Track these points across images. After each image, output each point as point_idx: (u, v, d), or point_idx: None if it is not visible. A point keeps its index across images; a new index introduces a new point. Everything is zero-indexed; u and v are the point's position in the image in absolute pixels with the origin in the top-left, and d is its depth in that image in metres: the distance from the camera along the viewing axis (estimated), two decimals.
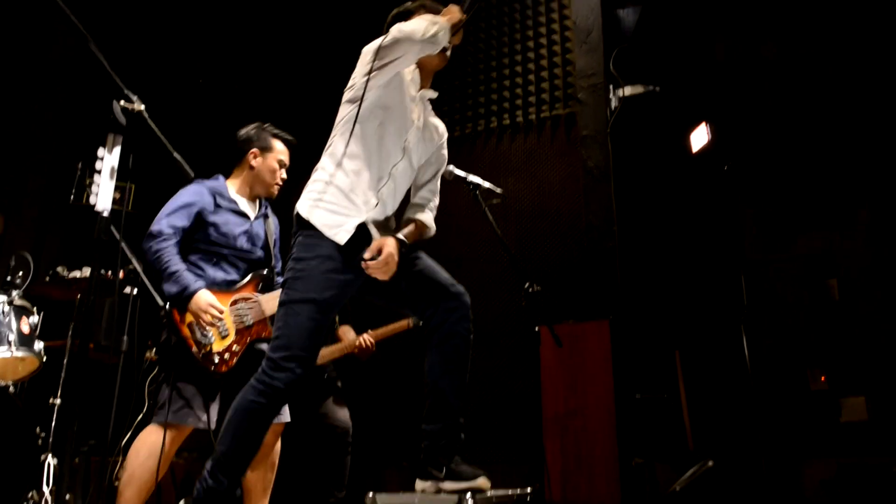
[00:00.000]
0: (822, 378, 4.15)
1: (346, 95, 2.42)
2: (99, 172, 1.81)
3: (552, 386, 3.71)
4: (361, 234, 2.29)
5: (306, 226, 2.29)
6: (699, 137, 4.44)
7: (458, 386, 2.32)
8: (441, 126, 2.64)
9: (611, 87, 4.50)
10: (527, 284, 2.91)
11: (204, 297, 2.91)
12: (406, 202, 2.58)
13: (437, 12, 2.52)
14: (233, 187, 3.21)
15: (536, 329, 2.95)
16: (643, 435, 3.72)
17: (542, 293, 2.93)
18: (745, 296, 4.08)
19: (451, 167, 3.02)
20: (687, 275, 4.40)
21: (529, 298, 2.91)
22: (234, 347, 2.95)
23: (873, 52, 4.34)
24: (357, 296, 2.42)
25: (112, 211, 1.86)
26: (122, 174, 1.90)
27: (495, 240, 3.01)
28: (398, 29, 2.31)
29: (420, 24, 2.32)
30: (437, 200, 2.60)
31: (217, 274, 3.06)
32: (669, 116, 4.52)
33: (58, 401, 3.42)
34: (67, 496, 3.18)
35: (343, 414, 3.87)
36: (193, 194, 3.07)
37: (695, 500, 3.00)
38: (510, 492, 2.31)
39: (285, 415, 3.03)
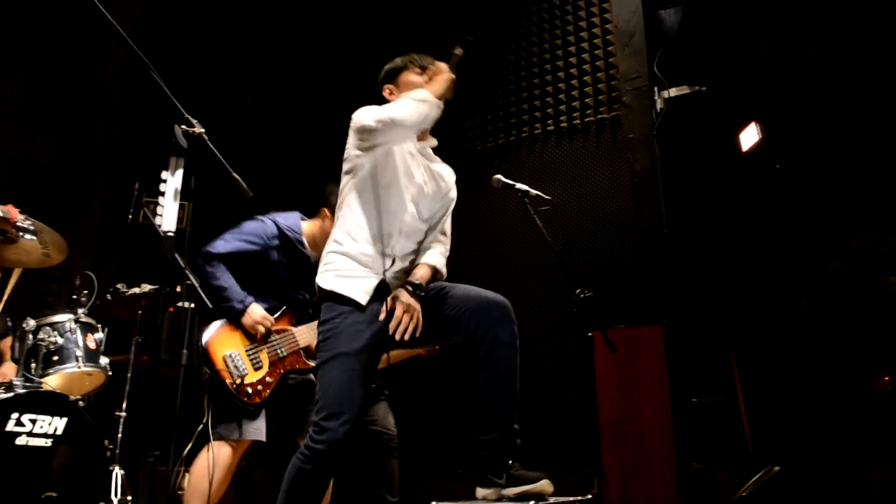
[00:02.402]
0: (886, 379, 4.03)
1: (344, 166, 2.47)
2: (163, 194, 1.88)
3: (607, 392, 3.69)
4: (383, 291, 2.33)
5: (328, 294, 2.34)
6: (749, 137, 4.37)
7: (509, 395, 2.31)
8: (447, 172, 2.65)
9: (655, 89, 4.46)
10: (578, 290, 2.90)
11: (257, 311, 3.02)
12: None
13: (423, 67, 2.55)
14: (306, 228, 3.29)
15: (589, 335, 2.92)
16: (701, 440, 3.66)
17: (594, 299, 2.92)
18: (802, 296, 4.00)
19: (499, 176, 3.05)
20: (741, 277, 4.33)
21: (581, 304, 2.90)
22: (268, 379, 3.05)
23: None
24: (399, 348, 2.43)
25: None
26: (182, 194, 1.96)
27: (545, 246, 3.00)
28: (389, 115, 2.32)
29: (410, 107, 2.34)
30: (448, 242, 2.59)
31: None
32: (717, 116, 4.46)
33: (123, 413, 3.55)
34: None
35: (389, 420, 3.91)
36: (258, 232, 3.18)
37: None
38: (571, 498, 2.30)
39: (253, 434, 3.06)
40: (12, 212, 2.55)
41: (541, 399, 4.20)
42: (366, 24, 5.52)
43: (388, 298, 2.29)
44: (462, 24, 5.23)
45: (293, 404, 3.19)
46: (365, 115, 2.37)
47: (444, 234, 2.59)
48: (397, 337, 2.25)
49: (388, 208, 2.39)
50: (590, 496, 2.43)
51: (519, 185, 3.02)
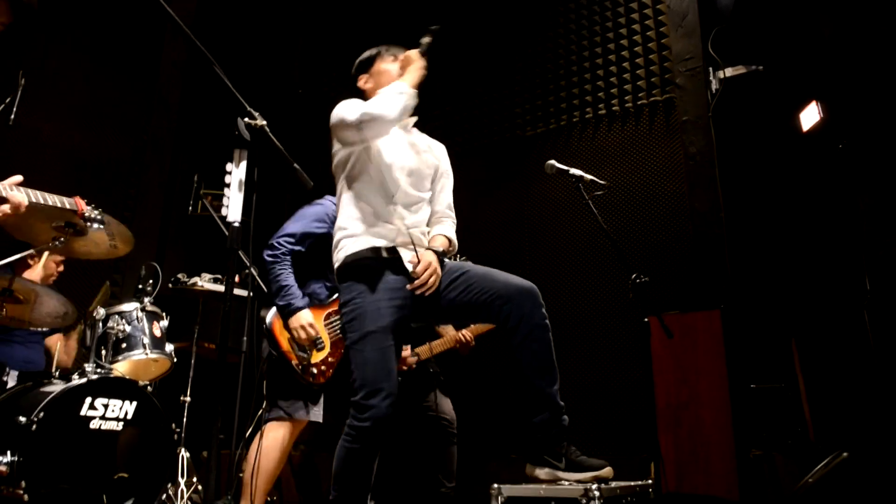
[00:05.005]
0: None
1: (334, 160, 2.55)
2: (228, 186, 1.93)
3: (664, 377, 3.66)
4: (396, 263, 2.39)
5: (342, 274, 2.41)
6: (809, 117, 4.24)
7: (550, 375, 2.34)
8: (435, 145, 2.74)
9: (710, 69, 4.37)
10: (633, 275, 2.88)
11: (303, 317, 3.08)
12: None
13: (395, 56, 2.61)
14: None
15: (646, 320, 2.91)
16: (760, 426, 3.60)
17: (650, 284, 2.90)
18: (867, 279, 3.88)
19: (553, 161, 3.04)
20: (801, 260, 4.22)
21: (637, 289, 2.88)
22: (330, 359, 3.13)
23: None
24: (422, 322, 2.48)
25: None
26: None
27: (599, 232, 2.99)
28: (372, 111, 2.36)
29: (391, 101, 2.38)
30: (454, 217, 2.68)
31: (317, 287, 3.26)
32: (775, 96, 4.34)
33: (188, 398, 3.68)
34: (199, 486, 3.41)
35: (447, 406, 3.95)
36: (321, 215, 3.26)
37: (831, 493, 2.89)
38: (631, 483, 2.30)
39: (314, 415, 3.16)
40: (79, 203, 2.63)
41: (597, 385, 4.19)
42: (414, 8, 5.53)
43: (415, 255, 2.37)
44: (513, 9, 5.20)
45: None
46: (347, 112, 2.43)
47: (449, 208, 2.69)
48: (417, 292, 2.31)
49: (384, 187, 2.46)
50: (649, 481, 2.42)
51: (573, 171, 3.01)
